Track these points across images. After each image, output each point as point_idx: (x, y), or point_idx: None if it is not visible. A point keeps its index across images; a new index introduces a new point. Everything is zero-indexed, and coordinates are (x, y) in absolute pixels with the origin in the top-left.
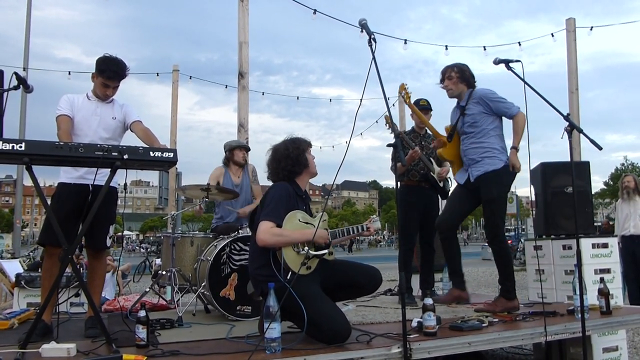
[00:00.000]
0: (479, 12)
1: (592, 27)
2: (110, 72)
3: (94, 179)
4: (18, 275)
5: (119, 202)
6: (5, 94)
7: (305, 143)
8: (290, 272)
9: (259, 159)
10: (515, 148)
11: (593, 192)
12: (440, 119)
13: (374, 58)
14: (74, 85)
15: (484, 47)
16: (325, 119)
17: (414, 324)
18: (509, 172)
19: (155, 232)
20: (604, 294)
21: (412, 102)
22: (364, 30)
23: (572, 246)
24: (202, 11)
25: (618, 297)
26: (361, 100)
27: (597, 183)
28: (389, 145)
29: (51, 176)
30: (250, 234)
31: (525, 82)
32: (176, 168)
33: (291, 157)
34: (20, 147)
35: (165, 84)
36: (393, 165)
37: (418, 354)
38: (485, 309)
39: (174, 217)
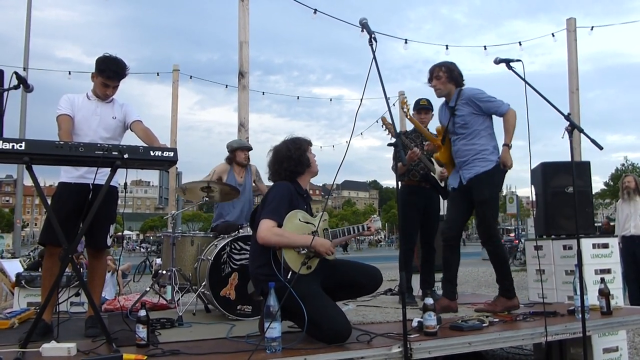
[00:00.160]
0: (479, 12)
1: (592, 27)
2: (110, 71)
3: (94, 179)
4: (18, 275)
5: (119, 202)
6: (5, 93)
7: (306, 142)
8: (290, 272)
9: (259, 159)
10: (507, 145)
11: (593, 193)
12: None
13: (374, 57)
14: (74, 85)
15: (485, 46)
16: (325, 119)
17: (415, 323)
18: (500, 170)
19: (155, 231)
20: (604, 294)
21: (414, 101)
22: (364, 30)
23: (572, 246)
24: (202, 11)
25: (618, 297)
26: (361, 100)
27: (597, 183)
28: (389, 144)
29: (51, 176)
30: (250, 233)
31: (526, 82)
32: (176, 168)
33: (293, 158)
34: (21, 146)
35: (166, 84)
36: (394, 164)
37: (418, 354)
38: (486, 309)
39: (174, 216)
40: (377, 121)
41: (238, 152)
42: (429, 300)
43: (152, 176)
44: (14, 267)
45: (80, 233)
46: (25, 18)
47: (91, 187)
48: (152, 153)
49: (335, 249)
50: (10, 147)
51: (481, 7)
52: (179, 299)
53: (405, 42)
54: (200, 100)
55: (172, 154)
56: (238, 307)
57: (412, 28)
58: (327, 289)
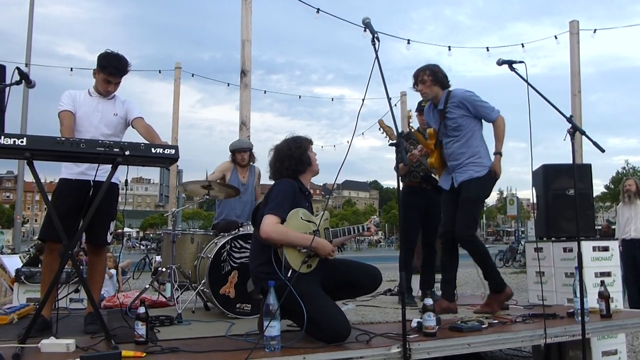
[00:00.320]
0: (482, 13)
1: (595, 30)
2: (111, 68)
3: (95, 175)
4: (18, 271)
5: (119, 199)
6: (7, 89)
7: (307, 141)
8: (290, 270)
9: (260, 157)
10: (499, 154)
11: (594, 196)
12: None
13: (377, 57)
14: (76, 81)
15: (487, 48)
16: (327, 119)
17: (414, 324)
18: (491, 178)
19: (155, 229)
20: (604, 297)
21: (416, 103)
22: (367, 29)
23: (572, 249)
24: (205, 10)
25: (618, 300)
26: (363, 100)
27: (598, 187)
28: (391, 144)
29: (52, 172)
30: (250, 232)
31: (529, 83)
32: (177, 166)
33: (294, 157)
34: (22, 142)
35: (168, 82)
36: (396, 165)
37: (417, 354)
38: (483, 310)
39: (174, 214)
40: (378, 121)
41: (237, 154)
42: (429, 301)
43: (152, 174)
44: (13, 262)
45: (81, 229)
46: (28, 14)
47: (92, 183)
48: (153, 150)
49: (335, 250)
50: (12, 143)
51: (484, 9)
52: (179, 296)
53: (408, 43)
54: (202, 99)
55: (173, 151)
56: (237, 306)
57: (414, 29)
58: (327, 288)
